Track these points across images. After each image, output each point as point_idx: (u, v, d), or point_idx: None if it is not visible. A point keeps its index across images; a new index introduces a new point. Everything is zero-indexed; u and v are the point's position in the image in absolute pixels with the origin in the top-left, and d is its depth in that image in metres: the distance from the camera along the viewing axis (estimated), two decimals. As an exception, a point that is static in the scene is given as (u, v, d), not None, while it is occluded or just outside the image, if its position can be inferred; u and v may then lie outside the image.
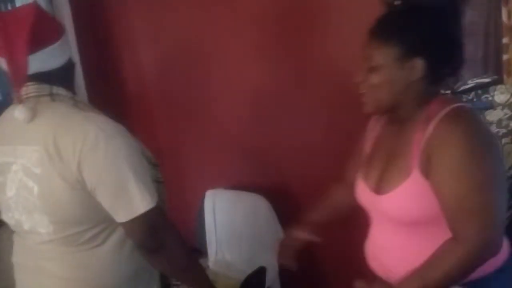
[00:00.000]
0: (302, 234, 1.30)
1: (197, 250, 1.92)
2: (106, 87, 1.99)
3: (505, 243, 1.04)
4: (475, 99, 2.53)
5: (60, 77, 1.07)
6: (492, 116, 2.45)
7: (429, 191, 0.97)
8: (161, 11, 1.88)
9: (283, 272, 1.82)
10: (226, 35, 1.83)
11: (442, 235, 0.97)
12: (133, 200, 1.00)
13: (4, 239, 1.24)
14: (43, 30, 1.03)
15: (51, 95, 1.06)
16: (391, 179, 1.02)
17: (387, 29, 1.02)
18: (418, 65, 1.00)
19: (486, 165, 0.93)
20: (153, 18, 1.92)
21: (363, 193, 1.12)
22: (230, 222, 1.89)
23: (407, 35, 1.00)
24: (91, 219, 1.05)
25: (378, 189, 1.06)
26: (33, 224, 1.08)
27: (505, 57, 2.63)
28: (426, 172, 0.96)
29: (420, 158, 0.97)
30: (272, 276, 1.78)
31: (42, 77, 1.06)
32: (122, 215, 1.02)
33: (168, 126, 2.06)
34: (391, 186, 1.02)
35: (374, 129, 1.19)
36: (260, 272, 1.70)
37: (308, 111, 1.83)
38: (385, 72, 1.01)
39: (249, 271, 1.69)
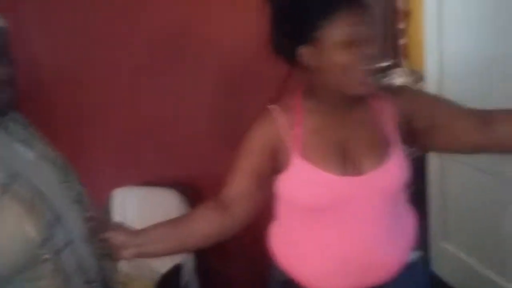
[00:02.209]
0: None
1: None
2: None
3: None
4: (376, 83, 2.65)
5: None
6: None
7: (405, 156, 1.01)
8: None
9: (201, 267, 1.81)
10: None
11: (405, 204, 1.07)
12: None
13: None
14: None
15: None
16: (371, 155, 0.98)
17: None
18: None
19: None
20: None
21: (329, 181, 0.97)
22: (142, 220, 1.79)
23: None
24: None
25: (354, 172, 0.97)
26: None
27: (402, 41, 2.81)
28: (404, 135, 1.01)
29: (396, 126, 1.00)
30: (188, 272, 1.77)
31: None
32: None
33: (67, 126, 1.87)
34: (375, 161, 0.97)
35: (292, 124, 1.01)
36: (175, 271, 1.71)
37: (210, 102, 1.78)
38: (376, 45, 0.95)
39: (165, 269, 1.68)
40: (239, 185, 1.06)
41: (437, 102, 1.06)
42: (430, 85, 2.05)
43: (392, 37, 2.78)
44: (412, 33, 2.59)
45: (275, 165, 1.03)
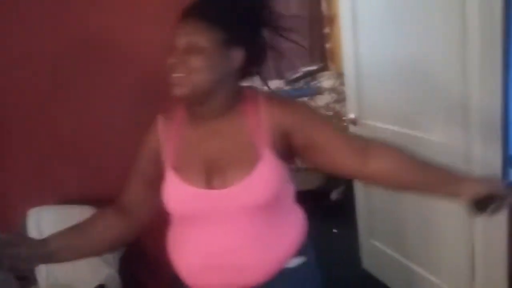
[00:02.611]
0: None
1: (25, 277, 1.72)
2: None
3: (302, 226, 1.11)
4: (305, 86, 2.72)
5: None
6: (321, 101, 2.68)
7: (280, 169, 1.01)
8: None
9: (125, 283, 1.74)
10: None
11: (286, 214, 1.06)
12: None
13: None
14: None
15: None
16: (238, 169, 0.98)
17: (212, 11, 0.97)
18: (238, 55, 0.99)
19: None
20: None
21: (192, 195, 1.00)
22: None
23: (233, 23, 0.98)
24: None
25: (221, 185, 0.99)
26: None
27: (328, 45, 2.87)
28: (283, 148, 1.01)
29: (270, 140, 0.99)
30: (113, 291, 1.71)
31: None
32: None
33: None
34: (241, 175, 0.97)
35: (170, 135, 1.06)
36: (97, 291, 1.64)
37: (132, 115, 1.73)
38: (208, 56, 0.96)
39: (87, 291, 1.60)
40: (132, 189, 1.12)
41: (320, 125, 1.05)
42: (350, 87, 2.11)
43: (319, 42, 2.84)
44: (336, 37, 2.67)
45: (160, 171, 1.06)
